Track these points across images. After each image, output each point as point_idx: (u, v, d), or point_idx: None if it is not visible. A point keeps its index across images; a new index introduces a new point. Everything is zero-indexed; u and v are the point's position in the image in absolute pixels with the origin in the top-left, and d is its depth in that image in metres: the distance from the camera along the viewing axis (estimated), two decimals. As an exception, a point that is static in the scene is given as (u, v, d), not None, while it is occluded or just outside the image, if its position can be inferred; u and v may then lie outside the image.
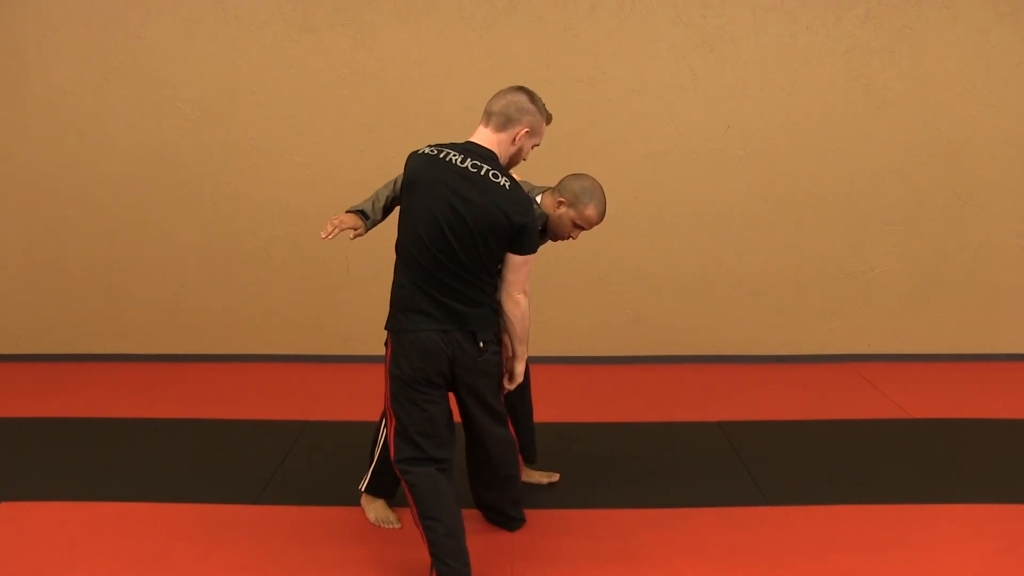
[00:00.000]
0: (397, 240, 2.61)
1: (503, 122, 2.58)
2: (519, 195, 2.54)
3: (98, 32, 4.76)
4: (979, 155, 4.90)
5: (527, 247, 2.57)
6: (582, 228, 2.92)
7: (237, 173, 4.88)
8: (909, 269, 5.00)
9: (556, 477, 3.38)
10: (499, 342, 2.67)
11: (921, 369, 4.92)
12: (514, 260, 2.59)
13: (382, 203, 2.79)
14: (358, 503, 3.16)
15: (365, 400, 4.33)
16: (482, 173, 2.51)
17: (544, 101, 2.68)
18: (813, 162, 4.90)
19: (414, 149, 2.66)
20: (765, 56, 4.80)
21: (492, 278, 2.60)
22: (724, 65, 4.81)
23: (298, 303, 5.01)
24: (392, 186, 2.81)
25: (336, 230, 2.63)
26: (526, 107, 2.58)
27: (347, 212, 2.75)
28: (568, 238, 2.97)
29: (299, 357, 5.06)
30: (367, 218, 2.76)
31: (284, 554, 2.83)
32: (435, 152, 2.57)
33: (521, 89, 2.62)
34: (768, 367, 4.97)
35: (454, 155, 2.55)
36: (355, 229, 2.72)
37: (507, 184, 2.52)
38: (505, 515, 2.99)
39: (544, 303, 4.80)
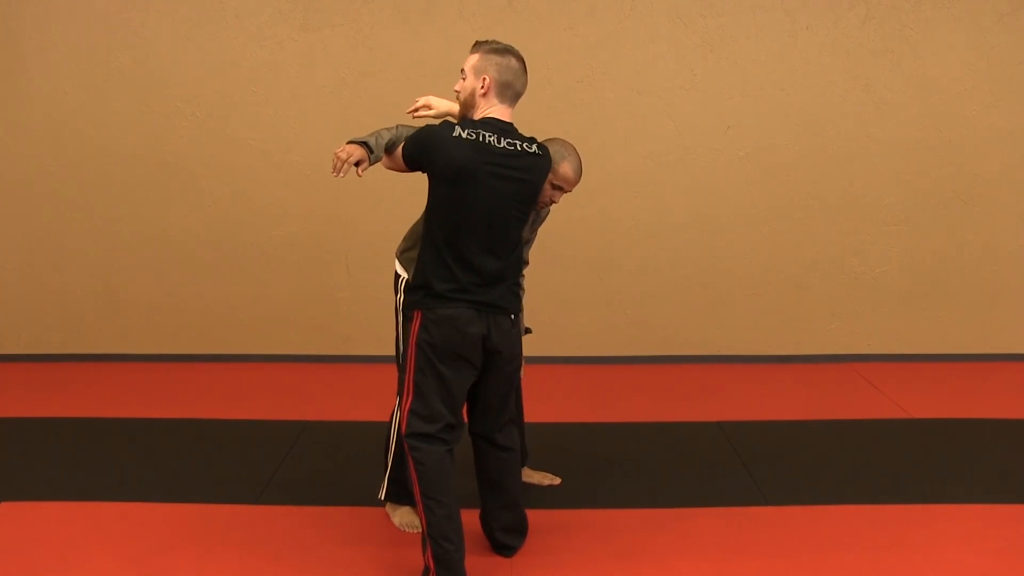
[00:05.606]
0: (433, 224, 2.57)
1: (513, 97, 2.65)
2: (548, 156, 2.69)
3: (98, 32, 4.76)
4: (979, 155, 4.90)
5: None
6: (562, 190, 2.90)
7: (237, 173, 4.88)
8: (909, 269, 5.00)
9: (558, 481, 3.36)
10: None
11: (921, 369, 4.91)
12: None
13: (384, 142, 2.64)
14: (358, 503, 3.16)
15: (365, 400, 4.33)
16: (519, 149, 2.58)
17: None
18: (813, 162, 4.90)
19: (434, 125, 2.56)
20: (765, 56, 4.80)
21: (519, 250, 2.69)
22: (724, 65, 4.81)
23: (298, 303, 5.01)
24: (395, 131, 2.66)
25: (346, 165, 2.50)
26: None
27: (348, 143, 2.58)
28: (551, 203, 2.95)
29: (299, 357, 5.05)
30: (371, 152, 2.60)
31: (284, 554, 2.83)
32: (474, 136, 2.54)
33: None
34: (768, 367, 4.97)
35: (490, 136, 2.56)
36: (360, 164, 2.57)
37: (539, 151, 2.64)
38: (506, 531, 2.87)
39: (544, 303, 4.80)
